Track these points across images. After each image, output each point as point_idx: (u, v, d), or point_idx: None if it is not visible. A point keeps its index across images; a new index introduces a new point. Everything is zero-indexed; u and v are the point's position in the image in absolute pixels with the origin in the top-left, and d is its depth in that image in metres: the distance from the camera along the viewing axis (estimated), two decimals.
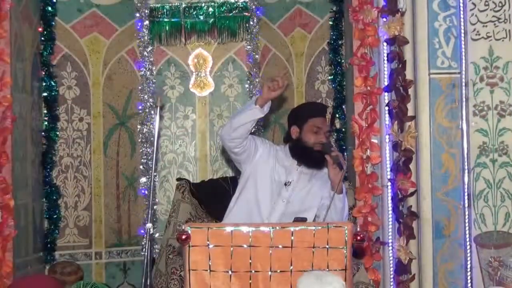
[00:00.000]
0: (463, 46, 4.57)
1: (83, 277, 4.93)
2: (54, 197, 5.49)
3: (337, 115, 5.56)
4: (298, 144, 4.27)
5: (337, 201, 4.12)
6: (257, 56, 5.79)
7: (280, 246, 3.42)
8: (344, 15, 5.37)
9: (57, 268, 4.82)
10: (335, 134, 5.61)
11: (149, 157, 5.63)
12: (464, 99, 4.58)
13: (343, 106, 5.49)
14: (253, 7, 5.78)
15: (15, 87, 4.84)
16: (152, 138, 5.59)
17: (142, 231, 5.57)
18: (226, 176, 4.70)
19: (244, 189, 4.33)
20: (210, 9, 5.82)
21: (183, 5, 5.82)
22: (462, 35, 4.58)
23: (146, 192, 5.64)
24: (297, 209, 4.20)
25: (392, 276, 4.65)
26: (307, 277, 3.04)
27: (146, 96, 5.67)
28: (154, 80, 5.74)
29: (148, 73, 5.70)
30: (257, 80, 5.77)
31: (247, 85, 5.84)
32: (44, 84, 5.45)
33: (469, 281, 4.55)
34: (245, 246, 3.42)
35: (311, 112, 4.34)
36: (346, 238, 3.43)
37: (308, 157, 4.23)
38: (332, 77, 5.61)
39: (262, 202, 4.25)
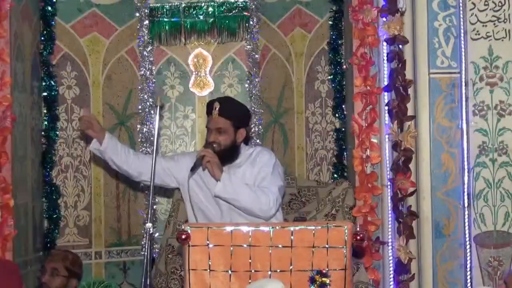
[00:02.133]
0: (462, 45, 4.57)
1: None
2: (54, 197, 5.48)
3: (336, 114, 5.55)
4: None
5: (221, 194, 4.20)
6: (257, 55, 5.78)
7: (280, 246, 3.42)
8: (344, 15, 5.37)
9: (69, 255, 4.79)
10: (335, 134, 5.61)
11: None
12: (463, 99, 4.58)
13: (343, 106, 5.49)
14: (253, 6, 5.77)
15: (15, 86, 4.84)
16: (152, 138, 5.59)
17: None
18: None
19: (186, 202, 4.45)
20: (210, 8, 5.82)
21: (183, 5, 5.81)
22: (462, 34, 4.58)
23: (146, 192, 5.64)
24: (231, 207, 4.30)
25: (392, 275, 4.65)
26: None
27: (146, 96, 5.67)
28: (154, 80, 5.74)
29: (148, 72, 5.69)
30: (257, 80, 5.77)
31: (246, 85, 5.83)
32: (44, 83, 5.44)
33: (468, 280, 4.55)
34: (245, 245, 3.42)
35: (206, 113, 4.49)
36: (346, 237, 3.43)
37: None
38: (332, 76, 5.61)
39: (209, 209, 4.33)
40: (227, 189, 4.17)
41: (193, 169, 4.23)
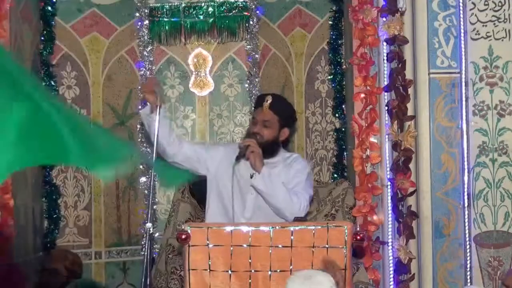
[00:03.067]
0: (462, 45, 4.57)
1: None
2: (54, 197, 5.49)
3: (336, 114, 5.56)
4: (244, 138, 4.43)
5: (255, 187, 4.19)
6: (256, 55, 5.79)
7: (280, 246, 3.42)
8: (344, 15, 5.37)
9: (69, 255, 4.79)
10: (335, 134, 5.61)
11: (149, 157, 5.63)
12: (463, 99, 4.58)
13: (343, 106, 5.49)
14: (253, 6, 5.78)
15: None
16: (152, 138, 5.59)
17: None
18: None
19: (211, 190, 4.42)
20: (210, 8, 5.82)
21: (183, 5, 5.81)
22: (462, 34, 4.58)
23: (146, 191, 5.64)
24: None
25: (391, 275, 4.65)
26: (294, 280, 3.03)
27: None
28: None
29: (148, 72, 5.70)
30: (257, 80, 5.77)
31: (246, 85, 5.83)
32: (43, 83, 5.44)
33: (468, 280, 4.55)
34: (244, 245, 3.42)
35: (255, 104, 4.53)
36: (346, 237, 3.43)
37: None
38: (332, 76, 5.61)
39: (232, 200, 4.30)
40: (265, 182, 4.16)
41: (238, 158, 4.21)
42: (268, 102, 4.32)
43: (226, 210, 4.32)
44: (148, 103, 4.22)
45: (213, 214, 4.34)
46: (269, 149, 4.32)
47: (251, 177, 4.23)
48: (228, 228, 3.46)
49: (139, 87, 5.71)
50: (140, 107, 4.36)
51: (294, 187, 4.25)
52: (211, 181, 4.45)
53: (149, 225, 3.62)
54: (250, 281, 3.41)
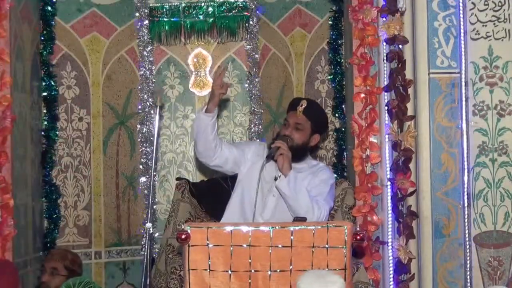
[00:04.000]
0: (462, 45, 4.57)
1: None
2: (54, 197, 5.49)
3: (336, 114, 5.57)
4: (273, 139, 4.44)
5: (279, 189, 4.20)
6: (256, 55, 5.79)
7: (280, 246, 3.42)
8: (344, 15, 5.37)
9: (69, 254, 4.79)
10: (335, 134, 5.61)
11: (149, 157, 5.63)
12: (463, 99, 4.58)
13: (343, 106, 5.49)
14: (253, 6, 5.78)
15: (15, 86, 4.84)
16: (151, 138, 5.59)
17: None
18: (226, 176, 4.69)
19: (236, 188, 4.46)
20: (210, 8, 5.82)
21: (183, 5, 5.82)
22: (462, 34, 4.58)
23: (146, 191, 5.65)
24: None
25: (391, 275, 4.65)
26: (308, 276, 3.03)
27: (145, 96, 5.67)
28: (153, 80, 5.74)
29: (148, 72, 5.70)
30: (256, 79, 5.77)
31: (246, 85, 5.83)
32: (43, 83, 5.45)
33: (468, 280, 4.55)
34: (244, 245, 3.42)
35: (288, 106, 4.53)
36: (346, 237, 3.43)
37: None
38: (331, 76, 5.61)
39: (253, 200, 4.30)
40: (290, 185, 4.17)
41: (268, 158, 4.24)
42: (303, 106, 4.35)
43: (244, 210, 4.33)
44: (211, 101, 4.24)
45: (231, 213, 4.36)
46: (298, 154, 4.34)
47: (275, 179, 4.24)
48: (228, 228, 3.45)
49: (139, 87, 5.71)
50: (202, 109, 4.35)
51: (317, 196, 4.26)
52: (240, 181, 4.48)
53: (149, 225, 3.62)
54: (250, 281, 3.41)
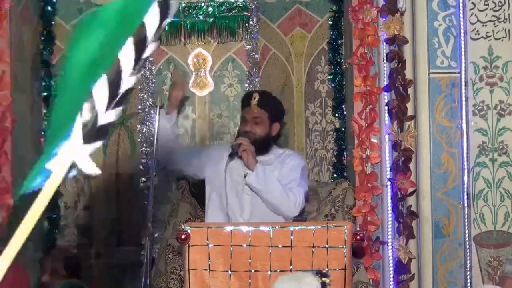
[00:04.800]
0: (462, 45, 4.57)
1: None
2: (54, 197, 5.48)
3: (336, 114, 5.56)
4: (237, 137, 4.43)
5: (250, 185, 4.18)
6: (256, 55, 5.79)
7: (280, 246, 3.42)
8: (344, 15, 5.37)
9: (69, 255, 4.79)
10: (335, 134, 5.61)
11: (149, 157, 5.63)
12: (463, 99, 4.58)
13: (343, 106, 5.49)
14: (253, 6, 5.78)
15: (15, 87, 4.84)
16: (152, 138, 5.58)
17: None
18: None
19: (210, 196, 4.43)
20: (210, 8, 5.82)
21: (183, 5, 5.81)
22: (462, 34, 4.58)
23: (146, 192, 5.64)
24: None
25: (391, 275, 4.65)
26: (282, 281, 3.02)
27: (145, 96, 5.67)
28: (153, 80, 5.74)
29: (148, 72, 5.70)
30: (257, 79, 5.77)
31: (246, 85, 5.83)
32: (44, 84, 5.45)
33: (468, 280, 4.55)
34: (244, 245, 3.42)
35: (242, 104, 4.50)
36: (346, 237, 3.43)
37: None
38: (331, 76, 5.61)
39: (229, 202, 4.30)
40: (259, 179, 4.15)
41: (231, 156, 4.22)
42: (256, 99, 4.32)
43: (224, 213, 4.32)
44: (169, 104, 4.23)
45: (211, 218, 4.35)
46: (262, 146, 4.32)
47: (245, 176, 4.23)
48: (228, 228, 3.46)
49: (139, 87, 5.71)
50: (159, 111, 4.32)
51: (289, 184, 4.25)
52: (208, 184, 4.47)
53: (149, 225, 3.62)
54: (250, 281, 3.41)
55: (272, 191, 4.16)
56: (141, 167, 5.72)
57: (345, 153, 5.48)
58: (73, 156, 1.29)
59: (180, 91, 4.22)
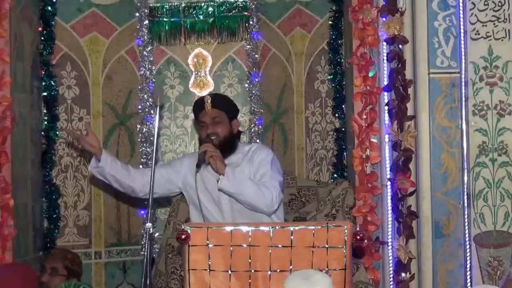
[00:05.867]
0: (462, 45, 4.57)
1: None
2: (54, 197, 5.49)
3: (336, 114, 5.56)
4: (200, 144, 4.38)
5: (223, 190, 4.17)
6: (256, 55, 5.79)
7: (280, 246, 3.42)
8: (344, 15, 5.37)
9: (69, 254, 4.79)
10: (335, 134, 5.61)
11: (149, 157, 5.63)
12: (463, 99, 4.58)
13: (343, 106, 5.49)
14: (253, 6, 5.78)
15: (15, 86, 4.84)
16: (151, 138, 5.59)
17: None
18: None
19: (190, 205, 4.46)
20: (210, 8, 5.82)
21: (183, 5, 5.82)
22: (462, 34, 4.58)
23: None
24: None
25: (391, 275, 4.65)
26: (293, 280, 3.02)
27: (145, 96, 5.67)
28: (153, 80, 5.74)
29: (148, 72, 5.70)
30: (256, 80, 5.77)
31: (246, 85, 5.83)
32: (43, 83, 5.45)
33: (468, 280, 4.55)
34: (244, 245, 3.42)
35: (195, 111, 4.48)
36: (346, 237, 3.43)
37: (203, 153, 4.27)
38: (331, 76, 5.61)
39: (209, 211, 4.32)
40: (231, 183, 4.13)
41: (198, 165, 4.19)
42: (209, 101, 4.32)
43: (207, 221, 4.32)
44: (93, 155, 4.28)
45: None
46: (229, 146, 4.33)
47: (218, 181, 4.22)
48: (228, 228, 3.45)
49: (139, 87, 5.71)
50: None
51: (261, 179, 4.24)
52: (186, 196, 4.49)
53: (149, 225, 3.62)
54: (250, 281, 3.41)
55: (246, 191, 4.15)
56: (141, 167, 5.72)
57: (345, 153, 5.48)
58: None
59: (84, 142, 4.27)
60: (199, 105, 4.41)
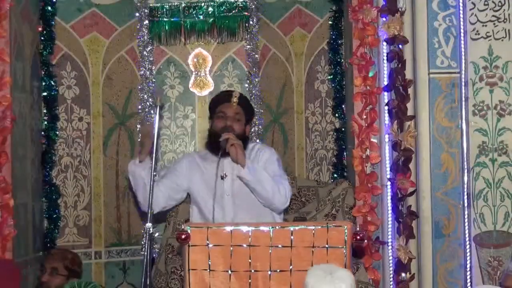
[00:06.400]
0: (462, 45, 4.57)
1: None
2: (54, 197, 5.49)
3: (336, 114, 5.56)
4: (210, 135, 4.37)
5: (244, 179, 4.14)
6: (256, 55, 5.79)
7: (280, 246, 3.42)
8: (344, 15, 5.37)
9: (69, 254, 4.79)
10: (335, 134, 5.61)
11: (149, 157, 5.63)
12: (463, 99, 4.58)
13: (343, 106, 5.49)
14: (253, 6, 5.78)
15: (15, 86, 4.84)
16: (151, 138, 5.58)
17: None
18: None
19: (192, 206, 4.45)
20: (210, 8, 5.82)
21: (183, 5, 5.82)
22: (462, 34, 4.58)
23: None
24: (245, 198, 4.23)
25: (391, 275, 4.65)
26: (316, 273, 2.99)
27: (145, 96, 5.67)
28: (153, 80, 5.74)
29: (148, 72, 5.70)
30: (256, 79, 5.77)
31: (246, 85, 5.84)
32: (43, 83, 5.45)
33: (468, 280, 4.55)
34: (244, 245, 3.42)
35: (217, 100, 4.46)
36: (346, 237, 3.43)
37: (215, 145, 4.24)
38: (331, 76, 5.61)
39: (210, 207, 4.26)
40: (251, 173, 4.12)
41: (223, 155, 4.16)
42: (237, 97, 4.32)
43: (206, 218, 4.30)
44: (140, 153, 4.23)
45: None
46: (242, 143, 4.29)
47: (222, 178, 4.20)
48: (228, 228, 3.45)
49: (139, 87, 5.71)
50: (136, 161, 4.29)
51: (274, 177, 4.24)
52: (191, 196, 4.47)
53: (149, 225, 3.62)
54: (250, 281, 3.41)
55: (264, 184, 4.15)
56: None
57: (345, 153, 5.48)
58: None
59: (149, 140, 4.17)
60: (224, 96, 4.42)
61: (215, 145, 4.25)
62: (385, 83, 4.69)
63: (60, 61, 5.68)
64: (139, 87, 5.72)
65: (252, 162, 4.19)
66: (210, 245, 3.41)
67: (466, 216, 4.56)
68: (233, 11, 5.84)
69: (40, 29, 5.43)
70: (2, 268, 4.08)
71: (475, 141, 4.58)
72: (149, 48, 5.72)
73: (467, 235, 4.56)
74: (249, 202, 4.25)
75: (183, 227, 3.46)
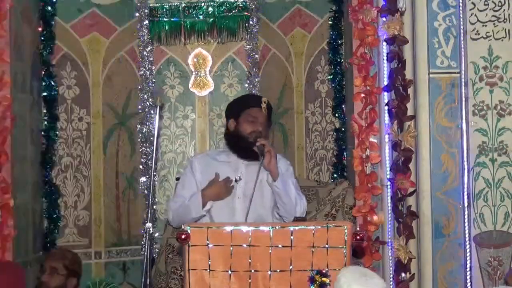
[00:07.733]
0: (462, 45, 4.57)
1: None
2: (54, 197, 5.49)
3: (336, 114, 5.56)
4: (235, 137, 4.21)
5: (276, 188, 4.09)
6: (256, 55, 5.79)
7: (280, 246, 3.42)
8: (344, 15, 5.37)
9: (69, 254, 4.79)
10: (335, 134, 5.61)
11: (149, 157, 5.64)
12: (463, 99, 4.58)
13: (343, 106, 5.49)
14: (253, 6, 5.78)
15: (15, 86, 4.84)
16: (151, 138, 5.59)
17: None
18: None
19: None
20: (210, 8, 5.83)
21: (183, 5, 5.82)
22: (462, 34, 4.58)
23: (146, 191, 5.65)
24: (259, 202, 4.16)
25: (391, 275, 4.65)
26: (351, 272, 2.97)
27: (145, 96, 5.68)
28: (153, 80, 5.75)
29: (148, 72, 5.70)
30: (256, 79, 5.77)
31: (246, 85, 5.84)
32: (43, 83, 5.45)
33: (468, 280, 4.55)
34: (244, 245, 3.42)
35: (246, 103, 4.30)
36: (346, 237, 3.43)
37: (243, 148, 4.16)
38: (331, 76, 5.61)
39: (221, 209, 4.19)
40: (282, 181, 4.08)
41: (250, 159, 4.11)
42: (266, 103, 4.22)
43: (214, 221, 4.24)
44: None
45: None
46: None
47: (236, 181, 4.15)
48: (228, 228, 3.45)
49: (139, 87, 5.72)
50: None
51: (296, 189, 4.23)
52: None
53: (149, 225, 3.62)
54: (250, 281, 3.41)
55: (290, 193, 4.11)
56: (141, 167, 5.73)
57: (345, 153, 5.48)
58: None
59: (227, 195, 4.14)
60: (255, 100, 4.30)
61: (244, 148, 4.17)
62: (385, 83, 4.69)
63: (60, 61, 5.68)
64: (139, 87, 5.72)
65: (280, 170, 4.14)
66: (210, 245, 3.41)
67: (466, 216, 4.56)
68: (233, 11, 5.84)
69: (40, 29, 5.43)
70: (8, 271, 4.07)
71: (475, 141, 4.58)
72: (149, 48, 5.73)
73: (467, 235, 4.55)
74: (260, 203, 4.20)
75: (183, 227, 3.46)
